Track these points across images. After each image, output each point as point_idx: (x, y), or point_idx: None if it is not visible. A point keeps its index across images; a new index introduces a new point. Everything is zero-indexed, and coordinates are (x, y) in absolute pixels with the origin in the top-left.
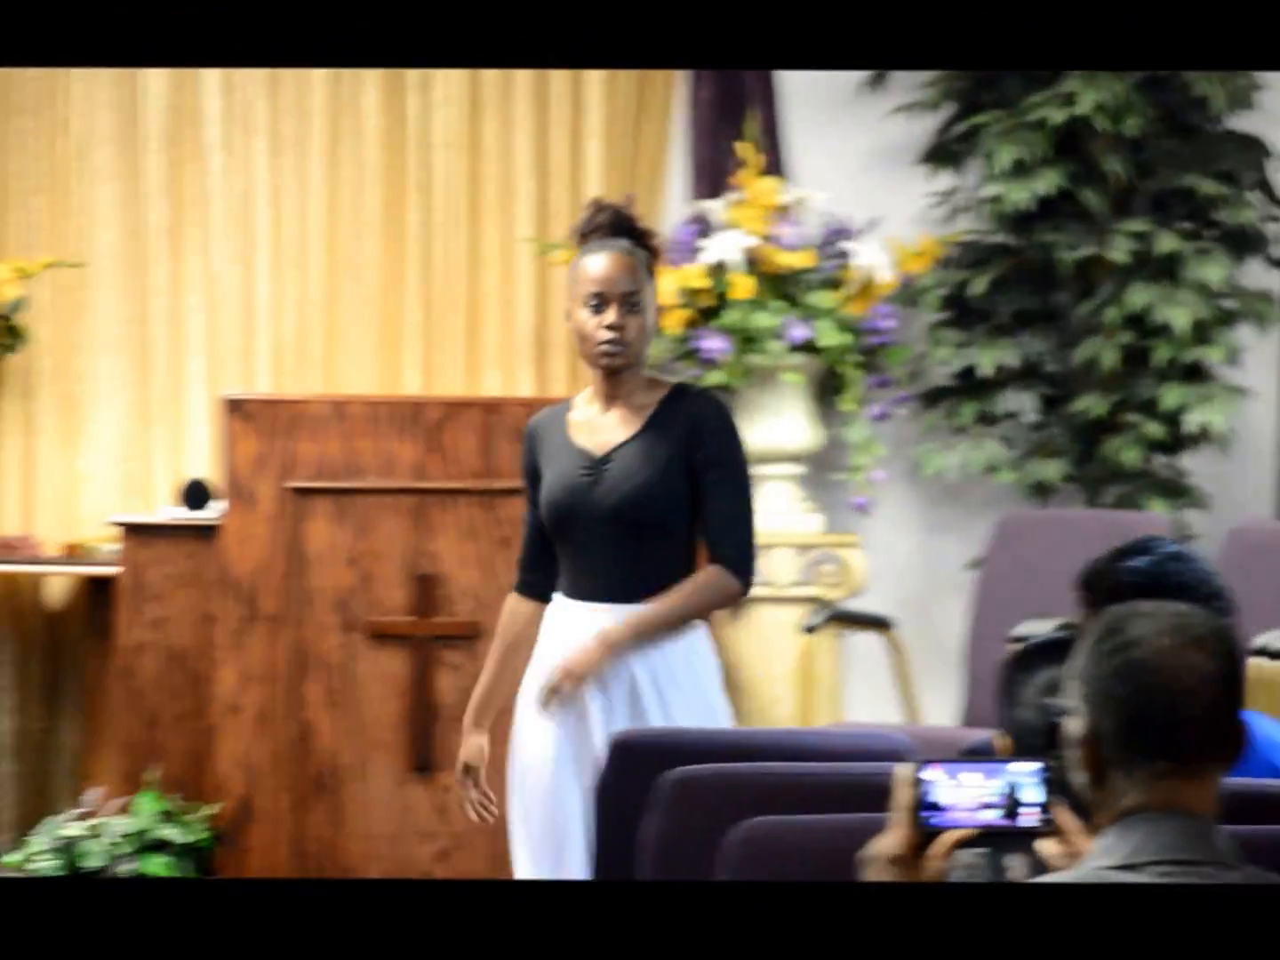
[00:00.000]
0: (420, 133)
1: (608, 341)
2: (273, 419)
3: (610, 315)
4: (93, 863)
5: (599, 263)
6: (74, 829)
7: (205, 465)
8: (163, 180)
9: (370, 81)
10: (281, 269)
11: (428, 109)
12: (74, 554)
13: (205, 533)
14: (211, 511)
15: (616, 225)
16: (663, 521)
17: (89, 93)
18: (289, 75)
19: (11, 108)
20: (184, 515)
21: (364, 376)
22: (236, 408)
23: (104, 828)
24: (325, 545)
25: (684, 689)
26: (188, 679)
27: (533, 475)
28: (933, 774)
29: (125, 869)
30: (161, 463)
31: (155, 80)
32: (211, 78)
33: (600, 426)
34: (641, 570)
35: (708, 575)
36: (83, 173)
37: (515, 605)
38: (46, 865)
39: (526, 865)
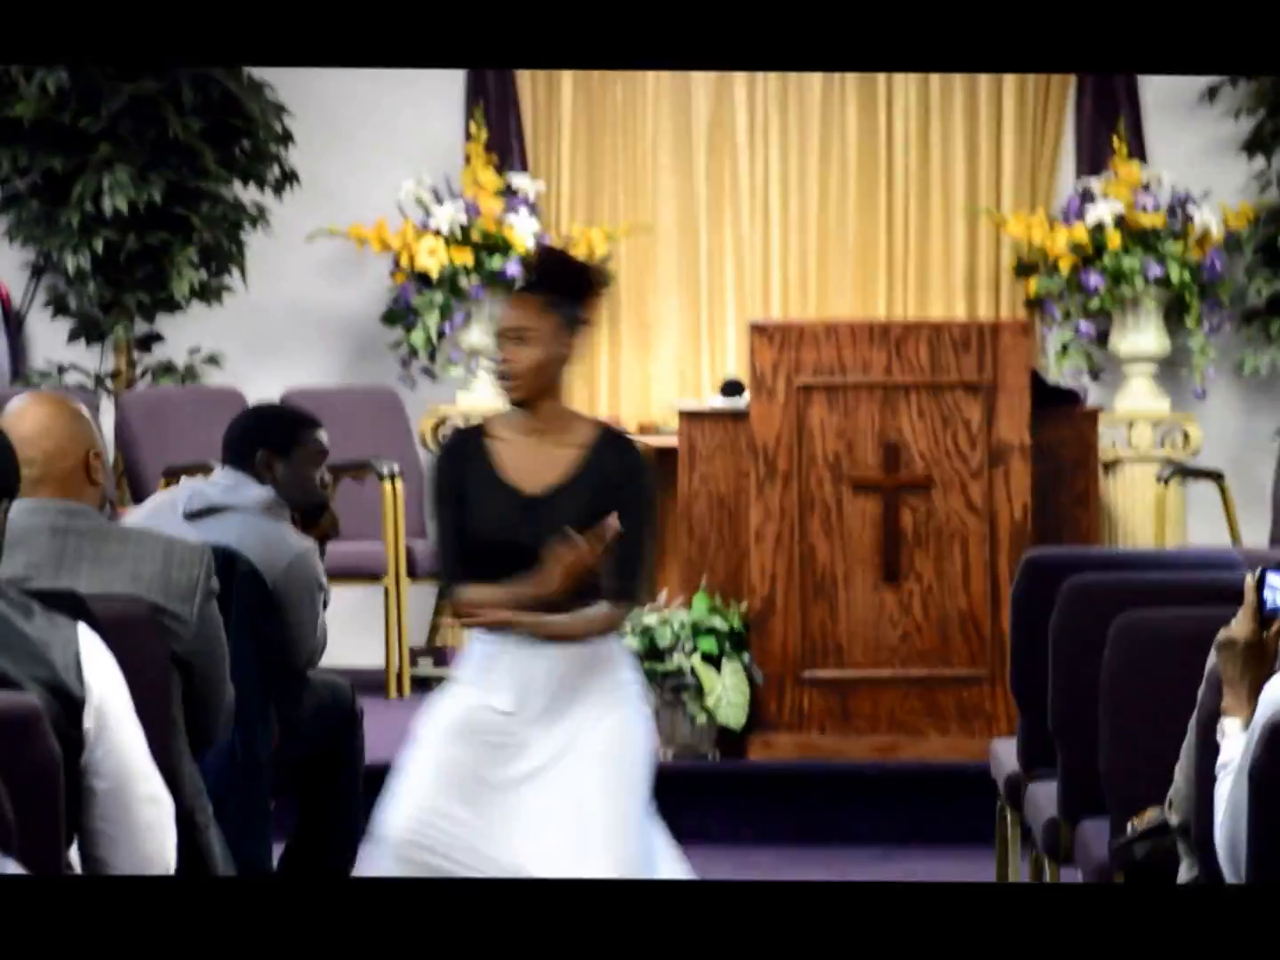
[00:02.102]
0: (886, 136)
1: (500, 375)
2: (784, 336)
3: (502, 351)
4: (664, 643)
5: (504, 305)
6: (651, 619)
7: (737, 368)
8: (705, 170)
9: (851, 99)
10: (788, 233)
11: (891, 119)
12: (646, 430)
13: (738, 416)
14: (742, 401)
15: (543, 268)
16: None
17: (656, 110)
18: (794, 96)
19: (605, 122)
20: (724, 403)
21: (846, 305)
22: (759, 329)
23: (671, 618)
24: (820, 423)
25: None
26: (726, 516)
27: (452, 494)
28: (1275, 577)
29: (688, 647)
30: (708, 366)
31: (701, 100)
32: (740, 96)
33: (529, 463)
34: (572, 603)
35: (601, 613)
36: (652, 166)
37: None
38: (631, 643)
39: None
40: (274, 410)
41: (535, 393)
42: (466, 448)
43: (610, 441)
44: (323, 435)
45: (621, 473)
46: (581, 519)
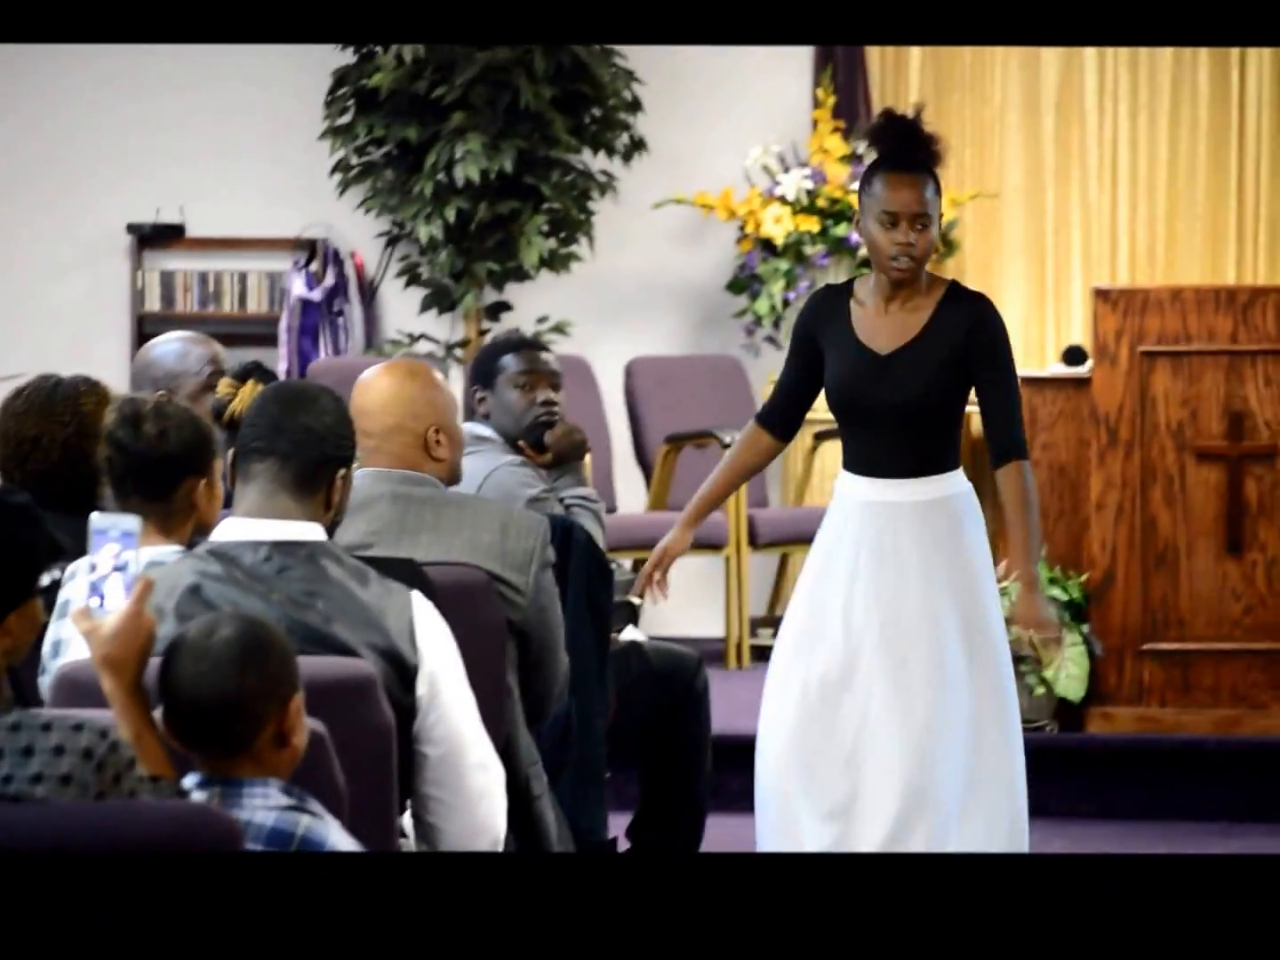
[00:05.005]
0: (1239, 98)
1: (898, 257)
2: (1128, 302)
3: (900, 234)
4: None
5: (892, 184)
6: None
7: (1080, 335)
8: (1052, 134)
9: (1203, 60)
10: (1136, 197)
11: (1244, 80)
12: None
13: (1080, 383)
14: (1084, 368)
15: (906, 138)
16: (943, 414)
17: (1004, 75)
18: (1145, 59)
19: (952, 87)
20: (1065, 370)
21: (1195, 271)
22: (1103, 295)
23: (1010, 588)
24: (1164, 391)
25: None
26: (1068, 485)
27: (807, 342)
28: None
29: None
30: (1052, 333)
31: (1050, 63)
32: (1090, 59)
33: (883, 326)
34: (923, 451)
35: (1016, 480)
36: (999, 131)
37: (757, 434)
38: None
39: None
40: (484, 348)
41: (921, 273)
42: (832, 305)
43: (958, 296)
44: (522, 357)
45: (971, 323)
46: (931, 372)
